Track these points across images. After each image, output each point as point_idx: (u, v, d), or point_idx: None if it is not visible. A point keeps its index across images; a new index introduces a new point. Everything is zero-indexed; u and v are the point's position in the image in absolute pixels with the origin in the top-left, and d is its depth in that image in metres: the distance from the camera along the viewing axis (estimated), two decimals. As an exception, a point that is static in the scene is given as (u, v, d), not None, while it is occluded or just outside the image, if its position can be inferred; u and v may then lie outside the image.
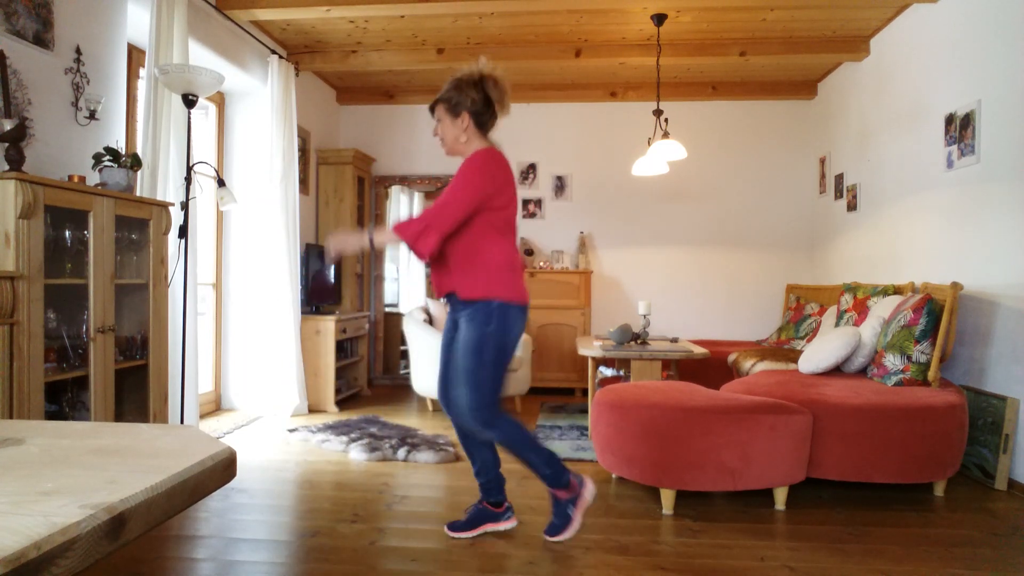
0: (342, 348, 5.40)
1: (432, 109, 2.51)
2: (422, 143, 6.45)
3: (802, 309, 5.30)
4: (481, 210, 2.36)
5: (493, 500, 2.61)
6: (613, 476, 3.34)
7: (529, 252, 6.20)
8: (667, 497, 2.82)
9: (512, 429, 2.44)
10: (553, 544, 2.49)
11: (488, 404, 2.39)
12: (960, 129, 3.70)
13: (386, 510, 2.86)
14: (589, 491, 2.54)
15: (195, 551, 2.44)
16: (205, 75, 3.11)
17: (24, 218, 2.25)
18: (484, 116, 2.45)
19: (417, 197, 6.94)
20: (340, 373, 5.42)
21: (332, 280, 5.63)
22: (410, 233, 2.29)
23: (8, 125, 2.39)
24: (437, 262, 2.47)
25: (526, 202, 6.34)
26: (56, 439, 1.03)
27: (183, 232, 3.33)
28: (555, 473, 2.49)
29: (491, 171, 2.37)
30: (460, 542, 2.52)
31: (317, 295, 5.34)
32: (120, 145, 3.26)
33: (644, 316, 4.41)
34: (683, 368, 5.01)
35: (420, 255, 2.31)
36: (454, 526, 2.57)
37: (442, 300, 2.56)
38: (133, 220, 2.94)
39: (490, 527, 2.59)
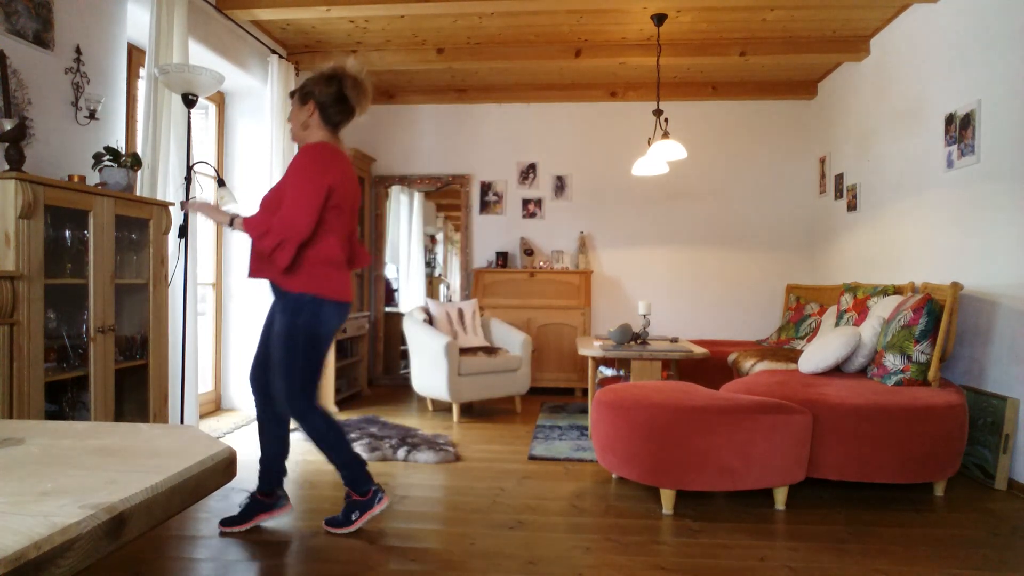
0: (342, 348, 5.40)
1: (292, 94, 2.59)
2: (422, 143, 6.45)
3: (802, 309, 5.30)
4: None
5: (266, 490, 2.66)
6: (613, 476, 3.34)
7: (529, 252, 6.21)
8: (667, 497, 2.82)
9: (320, 425, 2.50)
10: (547, 544, 2.49)
11: (298, 395, 2.46)
12: (960, 129, 3.70)
13: (386, 510, 2.86)
14: (380, 507, 2.58)
15: (195, 551, 2.44)
16: (205, 75, 3.11)
17: (24, 218, 2.25)
18: (332, 110, 2.50)
19: (417, 197, 6.94)
20: (340, 373, 5.42)
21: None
22: (266, 245, 2.35)
23: (8, 125, 2.39)
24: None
25: (526, 202, 6.34)
26: (56, 439, 1.03)
27: (183, 232, 3.33)
28: (354, 477, 2.56)
29: (323, 164, 2.40)
30: (462, 542, 2.51)
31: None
32: (120, 145, 3.26)
33: (644, 316, 4.41)
34: (683, 368, 5.01)
35: (277, 267, 2.39)
36: (226, 521, 2.62)
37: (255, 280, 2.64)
38: (133, 220, 2.94)
39: (263, 518, 2.65)
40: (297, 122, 2.54)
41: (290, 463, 3.57)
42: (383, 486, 3.16)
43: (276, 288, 2.52)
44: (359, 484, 2.57)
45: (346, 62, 2.52)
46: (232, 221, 2.44)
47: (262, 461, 2.68)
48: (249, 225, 2.40)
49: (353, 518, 2.57)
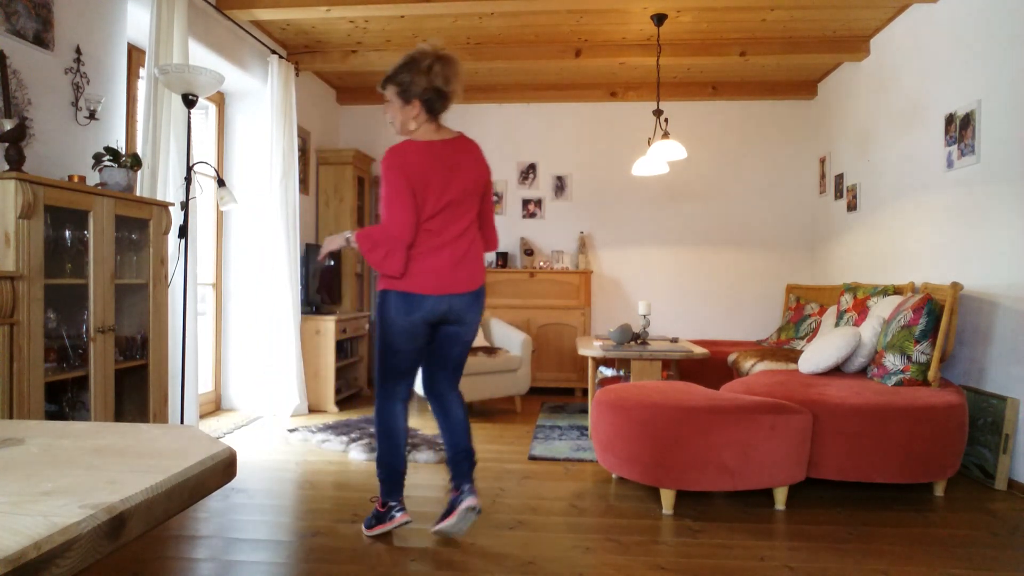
0: (342, 348, 5.40)
1: (383, 87, 2.49)
2: (422, 143, 6.44)
3: (802, 309, 5.30)
4: None
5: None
6: (613, 476, 3.34)
7: (529, 252, 6.20)
8: (667, 497, 2.82)
9: (382, 417, 2.52)
10: (547, 544, 2.49)
11: (378, 381, 2.53)
12: (960, 129, 3.70)
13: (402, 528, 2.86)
14: (392, 525, 2.53)
15: (195, 551, 2.44)
16: (205, 75, 3.11)
17: (24, 218, 2.25)
18: (434, 101, 2.42)
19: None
20: (340, 373, 5.42)
21: (332, 280, 5.63)
22: (375, 257, 2.34)
23: (8, 125, 2.39)
24: None
25: (526, 202, 6.34)
26: (56, 439, 1.03)
27: (183, 232, 3.33)
28: (386, 486, 2.54)
29: (395, 161, 2.35)
30: (462, 542, 2.51)
31: (317, 295, 5.34)
32: (120, 145, 3.26)
33: (644, 316, 4.41)
34: (683, 368, 5.01)
35: (390, 274, 2.38)
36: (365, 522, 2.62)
37: None
38: (133, 220, 2.94)
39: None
40: (401, 120, 2.45)
41: (290, 463, 3.57)
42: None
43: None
44: (387, 492, 2.54)
45: (434, 49, 2.41)
46: (348, 240, 2.44)
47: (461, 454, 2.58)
48: (360, 243, 2.37)
49: (369, 524, 2.57)
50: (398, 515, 2.53)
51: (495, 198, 6.37)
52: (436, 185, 2.35)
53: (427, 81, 2.36)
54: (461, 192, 2.40)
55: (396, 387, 2.52)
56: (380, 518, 2.55)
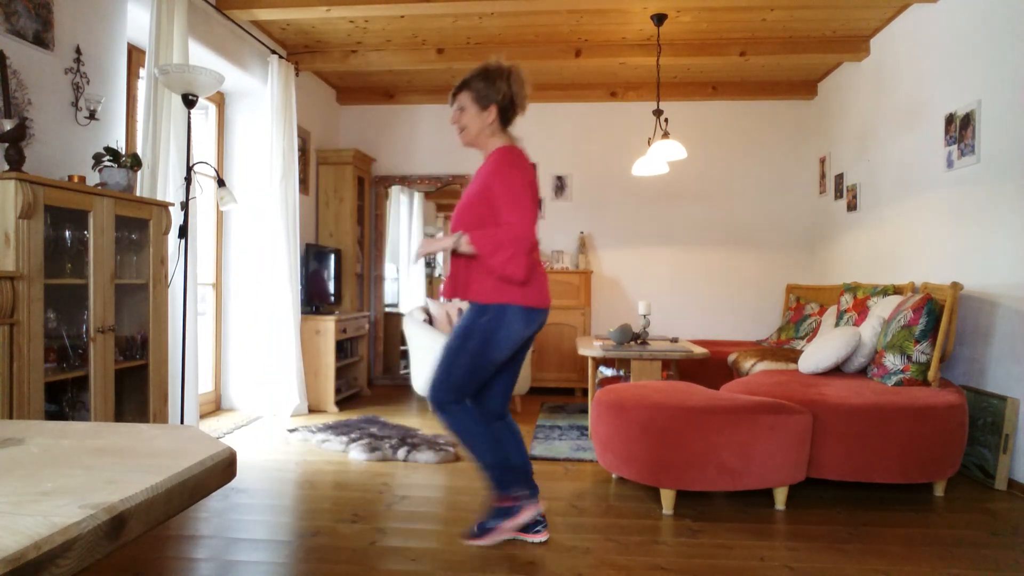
0: (342, 348, 5.40)
1: (455, 95, 2.46)
2: (422, 143, 6.45)
3: (802, 309, 5.30)
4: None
5: (504, 494, 2.51)
6: (613, 476, 3.34)
7: (529, 252, 6.20)
8: (667, 497, 2.82)
9: (463, 424, 2.40)
10: (547, 544, 2.49)
11: (449, 388, 2.38)
12: (960, 129, 3.70)
13: (386, 510, 2.86)
14: (525, 516, 2.44)
15: (195, 551, 2.44)
16: (205, 75, 3.11)
17: (24, 218, 2.25)
18: (508, 111, 2.42)
19: (417, 197, 6.94)
20: (340, 373, 5.42)
21: (332, 280, 5.64)
22: (498, 260, 2.25)
23: (8, 125, 2.39)
24: (453, 264, 2.44)
25: (526, 202, 6.33)
26: (56, 439, 1.03)
27: (183, 232, 3.33)
28: (497, 481, 2.44)
29: (526, 168, 2.34)
30: (460, 542, 2.51)
31: (317, 295, 5.34)
32: (120, 145, 3.26)
33: (644, 316, 4.41)
34: (683, 368, 5.01)
35: (514, 280, 2.29)
36: (470, 534, 2.49)
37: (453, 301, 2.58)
38: (133, 220, 2.94)
39: (520, 536, 2.51)
40: (477, 127, 2.42)
41: (290, 463, 3.57)
42: (383, 486, 3.17)
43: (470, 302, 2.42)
44: (508, 486, 2.43)
45: (507, 63, 2.43)
46: (458, 243, 2.31)
47: (495, 466, 2.48)
48: (479, 244, 2.27)
49: (493, 525, 2.42)
50: (544, 531, 2.47)
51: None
52: (536, 195, 2.39)
53: (506, 88, 2.38)
54: (538, 205, 2.46)
55: (467, 396, 2.42)
56: (507, 512, 2.42)
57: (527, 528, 2.48)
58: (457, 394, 2.39)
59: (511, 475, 2.44)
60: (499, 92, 2.38)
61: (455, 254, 2.38)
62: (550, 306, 2.45)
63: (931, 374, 3.22)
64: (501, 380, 2.53)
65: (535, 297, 2.36)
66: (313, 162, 5.84)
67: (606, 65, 5.49)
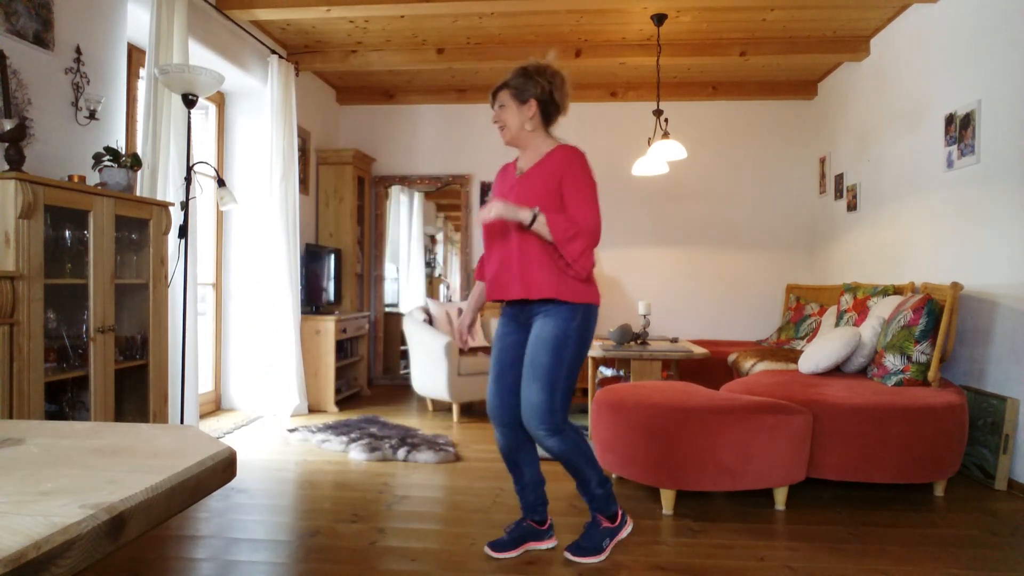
0: (342, 348, 5.40)
1: (495, 94, 2.44)
2: (422, 143, 6.45)
3: (802, 309, 5.30)
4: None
5: (537, 518, 2.47)
6: (613, 476, 3.34)
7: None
8: (667, 497, 2.82)
9: (577, 440, 2.31)
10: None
11: (560, 408, 2.27)
12: (960, 129, 3.70)
13: (386, 510, 2.86)
14: (627, 531, 2.45)
15: (195, 551, 2.44)
16: (205, 75, 3.11)
17: (24, 218, 2.25)
18: (549, 108, 2.40)
19: (417, 197, 6.94)
20: (340, 373, 5.42)
21: (332, 280, 5.64)
22: (574, 249, 2.19)
23: (8, 125, 2.39)
24: (504, 260, 2.32)
25: (526, 202, 6.33)
26: (56, 439, 1.03)
27: (183, 232, 3.33)
28: (606, 495, 2.38)
29: (592, 175, 2.33)
30: (462, 542, 2.51)
31: (317, 295, 5.34)
32: (120, 145, 3.26)
33: (644, 316, 4.41)
34: (683, 368, 5.01)
35: (579, 274, 2.24)
36: (495, 545, 2.41)
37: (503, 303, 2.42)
38: (133, 220, 2.94)
39: (532, 545, 2.45)
40: (517, 123, 2.39)
41: (290, 463, 3.57)
42: (383, 486, 3.17)
43: (533, 300, 2.30)
44: (610, 503, 2.39)
45: (545, 62, 2.39)
46: (534, 219, 2.20)
47: (523, 491, 2.46)
48: (556, 227, 2.18)
49: (605, 545, 2.38)
50: (629, 519, 2.47)
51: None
52: None
53: (545, 83, 2.35)
54: None
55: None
56: (612, 532, 2.40)
57: (543, 535, 2.49)
58: (565, 412, 2.29)
59: (612, 491, 2.41)
60: (537, 86, 2.35)
61: (520, 234, 2.26)
62: None
63: (931, 374, 3.22)
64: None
65: (598, 295, 2.37)
66: (313, 162, 5.84)
67: (606, 65, 5.49)
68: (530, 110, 2.37)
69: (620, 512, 2.43)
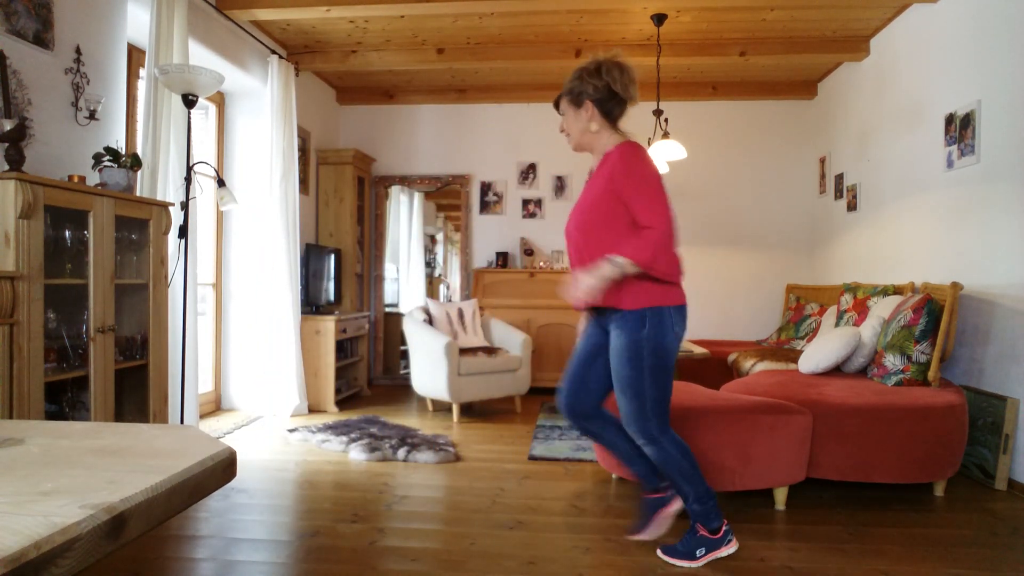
0: (342, 348, 5.40)
1: (557, 105, 2.40)
2: (422, 143, 6.46)
3: (802, 309, 5.30)
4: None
5: (651, 487, 2.45)
6: (613, 476, 3.34)
7: (529, 252, 6.21)
8: (667, 497, 2.82)
9: (673, 453, 2.28)
10: (547, 544, 2.49)
11: (653, 415, 2.24)
12: (960, 129, 3.70)
13: (386, 510, 2.86)
14: (729, 549, 2.34)
15: (195, 551, 2.44)
16: (205, 75, 3.11)
17: (24, 218, 2.25)
18: (609, 104, 2.29)
19: (417, 197, 6.94)
20: (340, 373, 5.42)
21: (332, 280, 5.64)
22: (660, 267, 2.15)
23: (8, 125, 2.39)
24: (575, 267, 2.30)
25: (526, 202, 6.34)
26: (56, 439, 1.03)
27: (183, 232, 3.33)
28: (706, 512, 2.32)
29: (650, 160, 2.22)
30: (462, 542, 2.51)
31: (317, 295, 5.34)
32: (120, 145, 3.26)
33: (644, 316, 4.41)
34: (683, 368, 5.01)
35: (672, 281, 2.23)
36: (632, 530, 2.44)
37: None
38: (133, 220, 2.94)
39: (661, 513, 2.43)
40: (578, 128, 2.35)
41: (290, 463, 3.57)
42: (383, 486, 3.17)
43: (613, 312, 2.26)
44: (711, 519, 2.32)
45: (606, 56, 2.30)
46: (623, 268, 2.13)
47: (631, 461, 2.46)
48: (639, 259, 2.11)
49: (699, 554, 2.30)
50: (733, 539, 2.37)
51: (495, 198, 6.37)
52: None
53: (598, 80, 2.27)
54: None
55: (668, 415, 2.31)
56: (714, 545, 2.32)
57: (666, 500, 2.45)
58: (660, 419, 2.26)
59: (714, 505, 2.34)
60: (590, 86, 2.28)
61: (583, 241, 2.25)
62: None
63: (931, 374, 3.22)
64: (601, 374, 2.41)
65: (682, 293, 2.28)
66: (313, 162, 5.84)
67: (606, 65, 5.48)
68: (587, 112, 2.31)
69: (724, 528, 2.34)
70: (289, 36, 5.03)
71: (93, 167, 2.92)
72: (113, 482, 0.80)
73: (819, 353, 3.59)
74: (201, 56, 4.18)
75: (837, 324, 4.28)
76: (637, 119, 6.08)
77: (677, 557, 2.32)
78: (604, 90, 2.27)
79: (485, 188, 6.37)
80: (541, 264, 6.15)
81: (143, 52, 3.72)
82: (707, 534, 2.32)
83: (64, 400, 2.66)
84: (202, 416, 4.59)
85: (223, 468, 0.96)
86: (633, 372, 2.21)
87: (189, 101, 3.20)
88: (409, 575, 2.24)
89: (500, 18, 4.64)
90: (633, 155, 2.20)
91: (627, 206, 2.19)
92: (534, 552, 2.42)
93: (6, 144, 2.42)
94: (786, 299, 5.87)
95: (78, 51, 3.00)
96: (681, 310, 2.26)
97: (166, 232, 3.11)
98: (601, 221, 2.23)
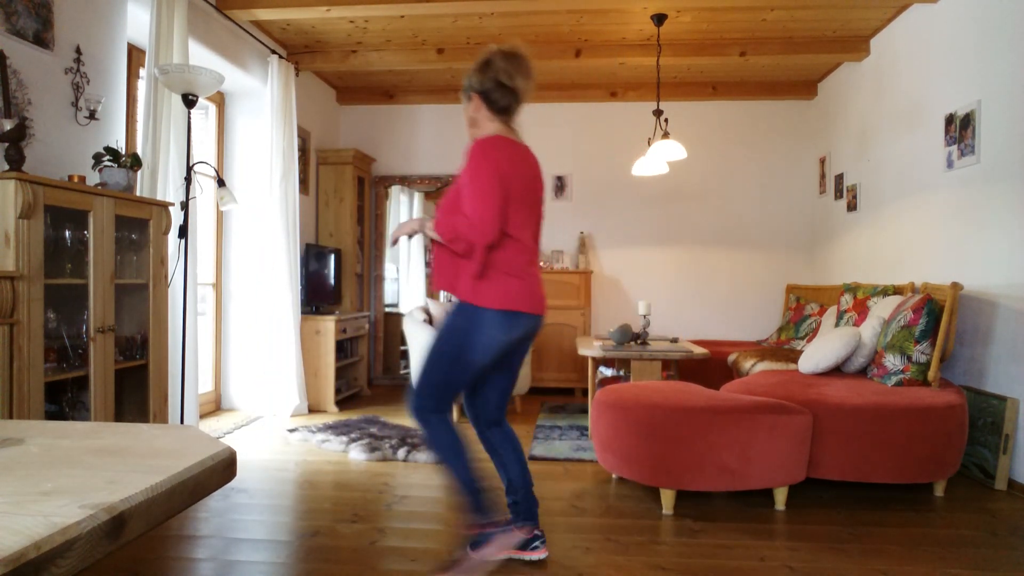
0: (342, 348, 5.40)
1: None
2: (422, 143, 6.45)
3: (802, 309, 5.30)
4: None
5: (475, 522, 2.28)
6: (613, 476, 3.34)
7: (529, 252, 6.20)
8: (667, 497, 2.82)
9: (443, 431, 2.24)
10: (547, 544, 2.49)
11: (428, 394, 2.23)
12: (960, 129, 3.70)
13: (386, 510, 2.86)
14: (499, 554, 2.23)
15: (195, 551, 2.44)
16: (205, 75, 3.11)
17: (24, 218, 2.25)
18: (496, 94, 2.26)
19: (417, 197, 6.93)
20: (340, 373, 5.42)
21: (332, 280, 5.64)
22: (458, 249, 2.16)
23: (8, 125, 2.39)
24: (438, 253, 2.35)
25: (526, 202, 6.33)
26: (56, 439, 1.03)
27: (183, 232, 3.33)
28: (471, 505, 2.23)
29: (492, 154, 2.16)
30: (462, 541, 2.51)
31: (317, 295, 5.34)
32: (120, 145, 3.26)
33: (644, 316, 4.41)
34: (683, 368, 5.01)
35: (468, 273, 2.20)
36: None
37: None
38: (133, 220, 2.94)
39: (516, 555, 2.33)
40: (466, 118, 2.37)
41: (290, 463, 3.57)
42: (383, 486, 3.16)
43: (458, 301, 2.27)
44: (477, 515, 2.24)
45: (499, 47, 2.29)
46: (424, 226, 2.23)
47: (506, 492, 2.40)
48: (440, 228, 2.17)
49: (472, 549, 2.24)
50: (542, 547, 2.30)
51: (495, 198, 6.36)
52: (524, 191, 2.22)
53: (483, 74, 2.27)
54: (538, 204, 2.32)
55: (451, 401, 2.29)
56: (478, 541, 2.24)
57: (524, 545, 2.32)
58: (438, 401, 2.24)
59: (485, 501, 2.25)
60: (476, 79, 2.29)
61: (433, 241, 2.30)
62: (542, 312, 2.27)
63: (931, 374, 3.22)
64: (495, 384, 2.41)
65: (516, 300, 2.18)
66: (313, 162, 5.84)
67: (606, 65, 5.48)
68: (473, 105, 2.33)
69: (496, 531, 2.24)
70: (289, 36, 5.03)
71: (93, 167, 2.92)
72: (113, 482, 0.80)
73: (819, 353, 3.60)
74: (201, 56, 4.18)
75: (837, 324, 4.28)
76: (637, 119, 6.12)
77: (452, 570, 2.23)
78: (490, 82, 2.28)
79: (485, 188, 6.36)
80: (541, 264, 6.14)
81: (143, 52, 3.72)
82: (480, 529, 2.25)
83: (64, 400, 2.66)
84: (202, 416, 4.59)
85: (223, 468, 0.96)
86: (436, 346, 2.24)
87: (189, 101, 3.20)
88: (409, 575, 2.24)
89: (500, 18, 4.64)
90: (479, 151, 2.20)
91: (461, 198, 2.23)
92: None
93: (6, 144, 2.42)
94: (786, 299, 5.87)
95: (78, 51, 3.00)
96: (507, 315, 2.18)
97: (166, 232, 3.11)
98: (450, 207, 2.26)
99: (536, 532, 2.35)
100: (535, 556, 2.33)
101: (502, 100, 2.28)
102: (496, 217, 2.12)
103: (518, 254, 2.22)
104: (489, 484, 2.28)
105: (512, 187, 2.18)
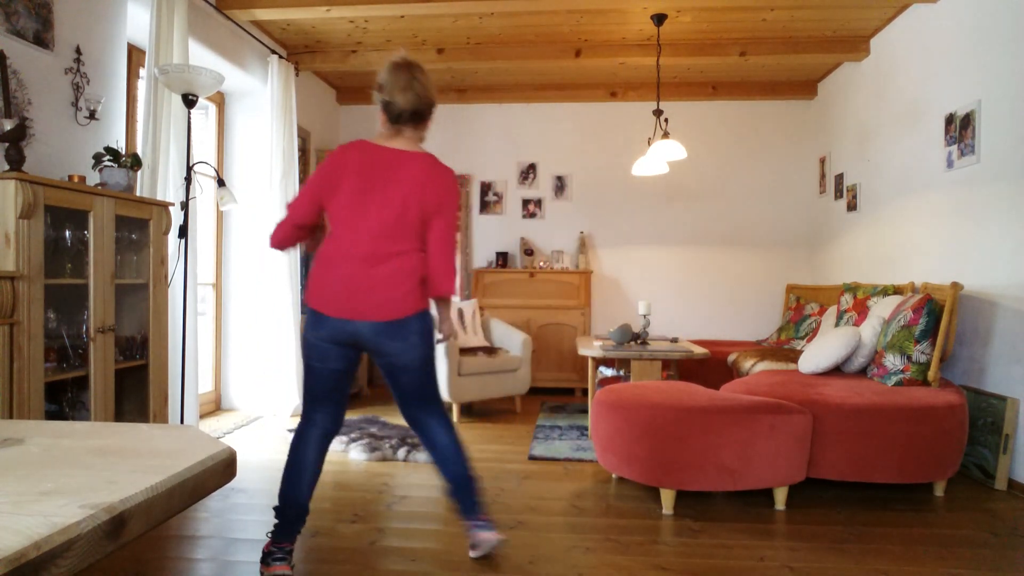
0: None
1: None
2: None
3: (802, 309, 5.30)
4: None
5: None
6: (613, 476, 3.34)
7: (529, 252, 6.21)
8: (667, 497, 2.82)
9: (292, 441, 2.28)
10: (547, 544, 2.49)
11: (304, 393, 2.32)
12: (960, 129, 3.70)
13: (386, 510, 2.86)
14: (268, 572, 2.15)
15: (195, 551, 2.44)
16: (205, 75, 3.11)
17: (24, 218, 2.25)
18: (385, 108, 2.28)
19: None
20: (340, 373, 5.41)
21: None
22: (274, 244, 2.39)
23: (8, 125, 2.39)
24: None
25: (526, 202, 6.34)
26: (56, 439, 1.03)
27: (183, 232, 3.33)
28: (277, 525, 2.21)
29: (322, 165, 2.26)
30: (462, 542, 2.51)
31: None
32: (120, 145, 3.26)
33: (644, 316, 4.41)
34: (683, 368, 5.01)
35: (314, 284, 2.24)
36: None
37: None
38: (133, 220, 2.94)
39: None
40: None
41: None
42: (383, 486, 3.17)
43: None
44: (273, 530, 2.22)
45: (391, 60, 2.30)
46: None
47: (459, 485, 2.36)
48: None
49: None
50: (277, 564, 2.14)
51: (495, 198, 6.37)
52: (353, 187, 2.19)
53: (381, 91, 2.29)
54: (383, 205, 2.18)
55: (313, 413, 2.26)
56: (263, 558, 2.18)
57: (263, 559, 2.19)
58: (304, 402, 2.29)
59: (286, 525, 2.19)
60: (378, 94, 2.30)
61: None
62: (348, 316, 2.16)
63: (931, 374, 3.22)
64: (394, 388, 2.33)
65: (316, 299, 2.20)
66: (313, 162, 5.84)
67: (606, 65, 5.48)
68: (380, 116, 2.33)
69: (273, 552, 2.17)
70: (289, 36, 5.03)
71: (93, 167, 2.92)
72: (113, 482, 0.80)
73: (819, 353, 3.60)
74: (201, 56, 4.18)
75: (837, 324, 4.28)
76: (637, 119, 6.12)
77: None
78: (383, 100, 2.29)
79: (485, 188, 6.37)
80: (541, 264, 6.15)
81: (143, 52, 3.72)
82: (265, 548, 2.21)
83: (64, 400, 2.66)
84: (202, 416, 4.59)
85: (223, 468, 0.96)
86: None
87: (189, 101, 3.20)
88: (409, 575, 2.24)
89: (500, 18, 4.64)
90: (328, 156, 2.31)
91: None
92: (534, 552, 2.42)
93: (6, 144, 2.42)
94: (786, 299, 5.87)
95: (78, 51, 3.00)
96: (312, 312, 2.22)
97: (166, 232, 3.11)
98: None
99: (275, 548, 2.21)
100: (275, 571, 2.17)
101: (390, 113, 2.29)
102: (296, 215, 2.27)
103: (330, 249, 2.22)
104: (299, 512, 2.22)
105: (337, 178, 2.21)
